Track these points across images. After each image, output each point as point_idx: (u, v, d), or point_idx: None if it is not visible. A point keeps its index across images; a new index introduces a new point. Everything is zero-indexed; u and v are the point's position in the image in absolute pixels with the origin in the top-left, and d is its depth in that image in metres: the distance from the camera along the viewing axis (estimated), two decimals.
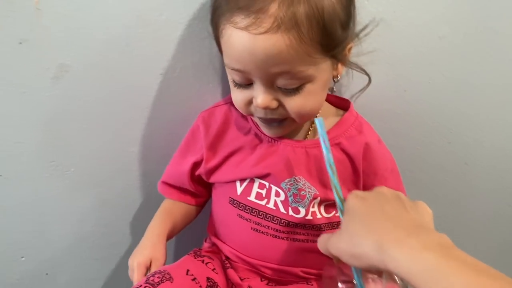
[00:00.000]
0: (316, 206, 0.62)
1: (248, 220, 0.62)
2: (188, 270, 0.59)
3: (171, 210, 0.69)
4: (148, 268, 0.61)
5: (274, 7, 0.47)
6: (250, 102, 0.56)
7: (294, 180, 0.61)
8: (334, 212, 0.63)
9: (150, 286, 0.54)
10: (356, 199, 0.47)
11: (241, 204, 0.63)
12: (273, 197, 0.61)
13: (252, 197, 0.62)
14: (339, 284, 0.52)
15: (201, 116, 0.67)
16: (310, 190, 0.61)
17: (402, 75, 0.72)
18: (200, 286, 0.58)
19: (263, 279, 0.63)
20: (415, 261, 0.37)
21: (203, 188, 0.70)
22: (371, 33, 0.62)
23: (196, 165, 0.66)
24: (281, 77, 0.51)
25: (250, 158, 0.62)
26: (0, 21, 0.61)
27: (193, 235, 0.77)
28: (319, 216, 0.62)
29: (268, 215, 0.61)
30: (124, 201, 0.78)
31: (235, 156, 0.64)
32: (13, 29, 0.62)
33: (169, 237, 0.67)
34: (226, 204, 0.64)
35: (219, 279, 0.62)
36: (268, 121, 0.58)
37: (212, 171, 0.65)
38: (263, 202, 0.62)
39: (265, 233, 0.62)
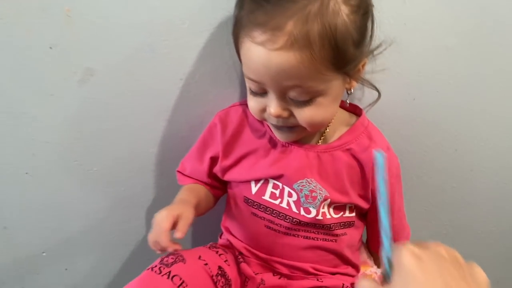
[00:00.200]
0: (326, 207, 0.65)
1: (262, 218, 0.66)
2: (200, 256, 0.62)
3: (195, 188, 0.71)
4: (175, 223, 0.57)
5: (290, 25, 0.50)
6: (264, 110, 0.59)
7: (306, 182, 0.64)
8: (342, 213, 0.66)
9: (164, 266, 0.57)
10: (411, 258, 0.38)
11: (256, 203, 0.66)
12: (286, 197, 0.65)
13: (266, 197, 0.65)
14: None
15: (218, 115, 0.70)
16: (321, 192, 0.64)
17: (411, 84, 0.75)
18: (211, 272, 0.61)
19: (275, 274, 0.67)
20: None
21: (219, 184, 0.73)
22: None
23: (214, 160, 0.69)
24: (292, 90, 0.54)
25: (265, 160, 0.65)
26: (33, 27, 0.65)
27: (208, 230, 0.80)
28: (328, 216, 0.65)
29: (281, 214, 0.65)
30: (142, 200, 0.82)
31: (250, 157, 0.67)
32: (44, 34, 0.66)
33: (195, 210, 0.64)
34: (241, 203, 0.67)
35: (230, 271, 0.65)
36: (279, 127, 0.61)
37: (226, 169, 0.69)
38: (276, 202, 0.65)
39: (277, 231, 0.65)
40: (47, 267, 0.86)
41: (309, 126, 0.59)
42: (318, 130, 0.65)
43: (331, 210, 0.65)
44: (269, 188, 0.65)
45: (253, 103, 0.60)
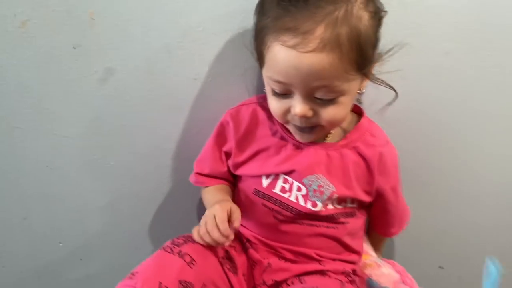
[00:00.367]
0: (336, 202, 0.69)
1: (271, 209, 0.70)
2: None
3: (222, 188, 0.76)
4: (229, 219, 0.63)
5: (321, 29, 0.54)
6: (287, 111, 0.63)
7: (315, 178, 0.68)
8: (343, 204, 0.71)
9: (175, 246, 0.63)
10: None
11: (266, 195, 0.70)
12: (294, 191, 0.69)
13: (277, 190, 0.70)
14: None
15: (229, 113, 0.73)
16: (328, 187, 0.68)
17: (410, 86, 0.79)
18: (218, 254, 0.67)
19: (280, 259, 0.71)
20: None
21: (234, 178, 0.78)
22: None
23: (227, 155, 0.74)
24: (320, 90, 0.58)
25: (276, 157, 0.70)
26: (58, 28, 0.70)
27: None
28: (331, 207, 0.70)
29: (288, 206, 0.69)
30: (156, 194, 0.86)
31: (261, 154, 0.71)
32: (69, 35, 0.71)
33: None
34: (251, 195, 0.72)
35: (237, 256, 0.70)
36: (301, 129, 0.65)
37: (238, 165, 0.73)
38: (286, 195, 0.69)
39: (284, 221, 0.70)
40: (63, 257, 0.90)
41: (330, 124, 0.64)
42: (334, 128, 0.69)
43: (334, 202, 0.70)
44: (280, 183, 0.70)
45: (277, 105, 0.64)
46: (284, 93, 0.62)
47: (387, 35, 0.64)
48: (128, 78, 0.75)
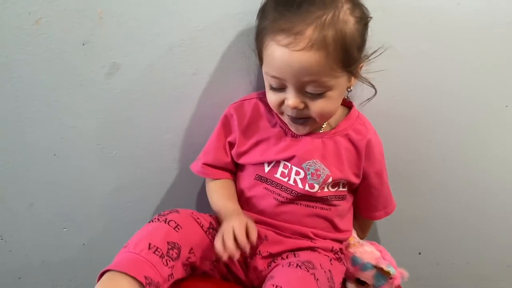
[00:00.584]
0: (331, 184, 0.77)
1: (272, 191, 0.77)
2: (193, 213, 0.74)
3: (228, 186, 0.81)
4: (247, 232, 0.69)
5: (310, 30, 0.62)
6: (282, 103, 0.71)
7: (312, 162, 0.76)
8: (337, 188, 0.78)
9: (162, 216, 0.70)
10: None
11: (268, 180, 0.77)
12: (293, 176, 0.76)
13: (278, 175, 0.77)
14: None
15: (232, 107, 0.80)
16: (324, 171, 0.76)
17: (390, 82, 0.86)
18: (202, 225, 0.73)
19: (277, 234, 0.77)
20: None
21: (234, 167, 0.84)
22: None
23: (231, 145, 0.80)
24: (309, 85, 0.66)
25: (276, 147, 0.77)
26: (69, 26, 0.76)
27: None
28: (326, 190, 0.77)
29: (288, 189, 0.76)
30: (156, 182, 0.92)
31: (263, 143, 0.78)
32: (79, 32, 0.77)
33: None
34: (253, 180, 0.79)
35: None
36: (295, 119, 0.72)
37: (242, 154, 0.79)
38: (285, 179, 0.76)
39: (284, 202, 0.77)
40: (67, 242, 0.95)
41: (320, 116, 0.71)
42: (325, 121, 0.76)
43: (330, 186, 0.77)
44: (280, 168, 0.77)
45: (273, 97, 0.72)
46: (279, 87, 0.69)
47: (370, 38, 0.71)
48: (133, 73, 0.81)
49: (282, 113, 0.74)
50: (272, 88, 0.71)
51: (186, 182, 0.92)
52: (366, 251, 0.81)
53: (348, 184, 0.80)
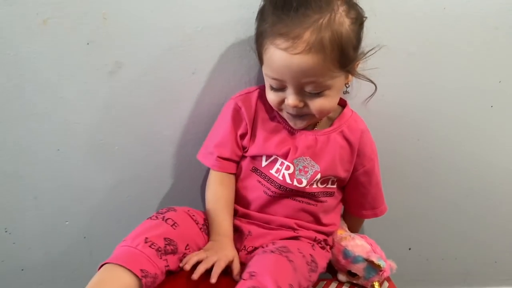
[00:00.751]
0: (319, 180, 0.80)
1: (263, 185, 0.81)
2: (189, 210, 0.78)
3: (231, 208, 0.83)
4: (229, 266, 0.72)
5: (307, 34, 0.65)
6: (282, 102, 0.74)
7: (302, 159, 0.79)
8: (325, 184, 0.82)
9: (160, 214, 0.73)
10: None
11: (263, 174, 0.81)
12: (283, 170, 0.80)
13: (272, 171, 0.80)
14: None
15: (238, 100, 0.82)
16: (312, 168, 0.79)
17: (380, 82, 0.88)
18: (197, 222, 0.77)
19: (260, 228, 0.81)
20: None
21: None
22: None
23: (242, 137, 0.82)
24: (308, 85, 0.70)
25: (273, 139, 0.80)
26: (74, 26, 0.79)
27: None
28: (315, 186, 0.81)
29: (276, 183, 0.80)
30: (155, 177, 0.95)
31: (262, 134, 0.81)
32: (83, 32, 0.80)
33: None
34: (248, 171, 0.82)
35: None
36: (294, 116, 0.76)
37: (249, 145, 0.82)
38: (276, 174, 0.80)
39: (272, 196, 0.80)
40: (69, 234, 0.98)
41: (319, 113, 0.74)
42: (323, 117, 0.79)
43: (319, 182, 0.81)
44: (277, 165, 0.80)
45: (273, 97, 0.75)
46: (280, 88, 0.73)
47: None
48: (135, 71, 0.85)
49: (281, 110, 0.77)
50: (273, 89, 0.74)
51: (183, 177, 0.96)
52: (357, 245, 0.84)
53: (338, 181, 0.83)
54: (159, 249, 0.67)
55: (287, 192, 0.80)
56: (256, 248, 0.79)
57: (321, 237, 0.83)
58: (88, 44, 0.81)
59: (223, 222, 0.80)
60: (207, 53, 0.85)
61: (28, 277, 1.01)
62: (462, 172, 1.05)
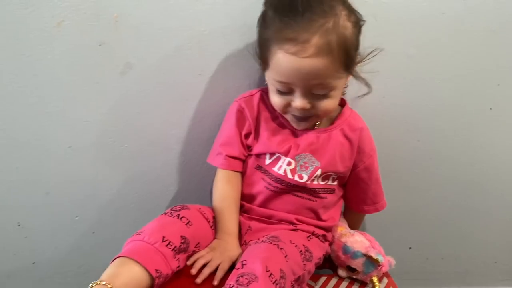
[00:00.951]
0: (319, 176, 0.83)
1: (266, 181, 0.84)
2: (200, 208, 0.82)
3: (235, 196, 0.86)
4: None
5: (316, 38, 0.67)
6: (287, 105, 0.77)
7: (303, 155, 0.82)
8: (326, 181, 0.85)
9: (174, 211, 0.76)
10: None
11: (266, 171, 0.84)
12: (284, 166, 0.83)
13: (275, 168, 0.83)
14: None
15: (242, 101, 0.85)
16: (313, 164, 0.82)
17: (381, 85, 0.92)
18: (208, 219, 0.81)
19: (260, 222, 0.84)
20: None
21: None
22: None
23: (246, 136, 0.85)
24: (316, 87, 0.73)
25: (276, 137, 0.83)
26: (87, 28, 0.83)
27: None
28: (316, 182, 0.83)
29: (278, 179, 0.83)
30: (162, 174, 0.99)
31: (265, 133, 0.84)
32: (95, 34, 0.84)
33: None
34: (252, 169, 0.86)
35: None
36: (299, 118, 0.78)
37: (254, 144, 0.85)
38: (279, 171, 0.83)
39: (274, 191, 0.83)
40: (78, 230, 1.02)
41: (324, 113, 0.78)
42: (326, 116, 0.82)
43: (320, 179, 0.84)
44: (279, 163, 0.83)
45: (279, 100, 0.77)
46: (286, 91, 0.75)
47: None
48: (144, 72, 0.88)
49: (285, 113, 0.80)
50: (279, 92, 0.76)
51: (190, 175, 0.99)
52: (356, 241, 0.87)
53: (338, 178, 0.86)
54: (175, 248, 0.70)
55: (289, 187, 0.83)
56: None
57: (319, 231, 0.86)
58: (100, 45, 0.85)
59: (229, 220, 0.83)
60: (214, 55, 0.89)
61: (39, 270, 1.04)
62: (462, 173, 1.07)
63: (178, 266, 0.71)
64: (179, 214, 0.76)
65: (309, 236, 0.83)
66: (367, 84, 0.86)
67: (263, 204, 0.85)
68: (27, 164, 0.94)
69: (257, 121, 0.85)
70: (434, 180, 1.07)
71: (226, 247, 0.78)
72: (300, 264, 0.74)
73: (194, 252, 0.76)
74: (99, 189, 0.98)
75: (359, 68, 0.81)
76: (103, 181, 0.97)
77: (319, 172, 0.82)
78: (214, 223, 0.83)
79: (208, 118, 0.93)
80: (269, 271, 0.64)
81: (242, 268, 0.66)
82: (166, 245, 0.68)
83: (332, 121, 0.85)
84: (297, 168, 0.82)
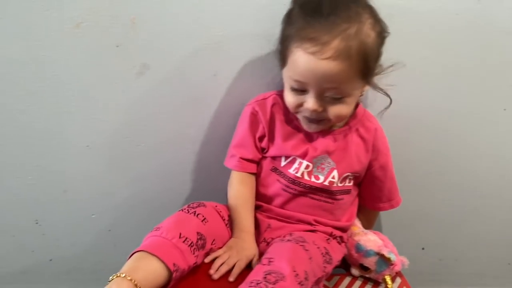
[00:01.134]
0: (336, 177, 0.83)
1: (283, 183, 0.85)
2: (216, 206, 0.83)
3: (253, 204, 0.87)
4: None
5: (336, 42, 0.67)
6: (300, 105, 0.76)
7: (321, 157, 0.83)
8: (344, 183, 0.86)
9: (191, 208, 0.78)
10: None
11: (282, 173, 0.85)
12: (302, 169, 0.83)
13: (291, 170, 0.84)
14: None
15: (256, 104, 0.86)
16: (329, 165, 0.83)
17: (396, 86, 0.91)
18: (224, 219, 0.83)
19: (279, 221, 0.85)
20: None
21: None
22: None
23: (260, 139, 0.86)
24: (329, 91, 0.72)
25: (292, 140, 0.84)
26: (104, 29, 0.85)
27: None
28: (335, 185, 0.84)
29: (296, 181, 0.83)
30: (177, 172, 1.00)
31: (280, 137, 0.85)
32: (113, 36, 0.86)
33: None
34: (268, 171, 0.86)
35: None
36: (311, 120, 0.79)
37: (269, 147, 0.86)
38: (295, 173, 0.83)
39: (291, 193, 0.84)
40: (94, 228, 1.04)
41: (336, 119, 0.77)
42: (339, 122, 0.82)
43: (341, 182, 0.85)
44: (295, 165, 0.84)
45: (292, 99, 0.77)
46: (301, 89, 0.75)
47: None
48: (160, 73, 0.90)
49: (297, 113, 0.80)
50: (294, 90, 0.76)
51: (204, 174, 1.00)
52: (369, 239, 0.87)
53: (354, 178, 0.87)
54: (192, 244, 0.71)
55: (306, 189, 0.84)
56: (274, 240, 0.82)
57: (337, 233, 0.87)
58: (117, 46, 0.87)
59: (245, 218, 0.84)
60: (229, 56, 0.90)
61: (56, 267, 1.07)
62: (476, 174, 1.07)
63: (195, 262, 0.72)
64: (195, 211, 0.77)
65: (328, 238, 0.84)
66: (386, 95, 0.85)
67: (281, 206, 0.86)
68: (46, 162, 0.96)
69: (270, 124, 0.86)
70: (448, 181, 1.07)
71: (243, 246, 0.80)
72: (321, 266, 0.75)
73: (211, 250, 0.77)
74: (116, 188, 1.00)
75: (377, 79, 0.81)
76: (120, 179, 0.99)
77: (335, 172, 0.83)
78: (230, 222, 0.84)
79: (222, 118, 0.95)
80: (295, 271, 0.66)
81: (269, 265, 0.67)
82: (183, 241, 0.70)
83: (346, 122, 0.86)
84: (314, 170, 0.83)
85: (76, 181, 0.98)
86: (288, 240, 0.75)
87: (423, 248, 1.17)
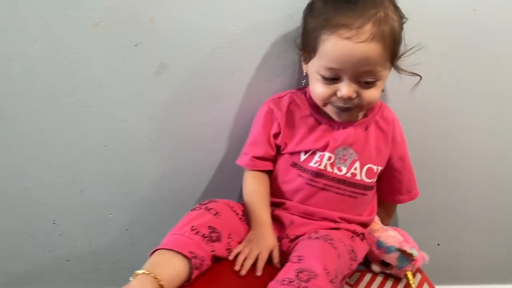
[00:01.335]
0: (358, 169, 0.84)
1: (305, 177, 0.84)
2: (229, 202, 0.84)
3: (268, 199, 0.88)
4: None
5: (369, 25, 0.70)
6: (332, 94, 0.77)
7: (342, 149, 0.83)
8: (373, 179, 0.86)
9: (202, 205, 0.79)
10: None
11: (302, 167, 0.85)
12: (325, 161, 0.83)
13: (312, 163, 0.84)
14: None
15: (271, 103, 0.87)
16: (351, 156, 0.84)
17: (412, 80, 0.90)
18: (237, 213, 0.83)
19: (303, 218, 0.85)
20: None
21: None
22: None
23: (275, 136, 0.87)
24: (365, 74, 0.73)
25: (311, 136, 0.84)
26: (124, 29, 0.85)
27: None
28: (358, 177, 0.84)
29: (319, 174, 0.83)
30: (196, 171, 1.00)
31: (299, 134, 0.85)
32: (132, 35, 0.86)
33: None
34: (288, 166, 0.86)
35: None
36: (342, 109, 0.79)
37: (286, 144, 0.86)
38: (317, 165, 0.83)
39: (315, 186, 0.84)
40: (112, 227, 1.04)
41: (368, 104, 0.78)
42: (369, 107, 0.83)
43: (363, 174, 0.85)
44: (315, 158, 0.84)
45: (324, 89, 0.77)
46: (333, 78, 0.75)
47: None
48: (178, 72, 0.90)
49: (326, 105, 0.80)
50: (325, 79, 0.76)
51: (222, 172, 1.00)
52: (390, 236, 0.87)
53: (376, 171, 0.87)
54: (205, 235, 0.73)
55: (330, 181, 0.84)
56: (298, 236, 0.82)
57: (360, 229, 0.87)
58: (136, 46, 0.86)
59: (261, 212, 0.85)
60: (246, 54, 0.90)
61: (73, 267, 1.07)
62: (492, 169, 1.07)
63: (213, 251, 0.73)
64: (206, 207, 0.79)
65: (352, 236, 0.84)
66: (414, 74, 0.86)
67: (304, 201, 0.86)
68: (64, 162, 0.96)
69: (287, 121, 0.86)
70: (464, 176, 1.08)
71: (262, 237, 0.80)
72: (348, 263, 0.76)
73: (229, 245, 0.77)
74: (133, 187, 1.00)
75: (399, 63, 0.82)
76: (137, 179, 0.99)
77: (357, 164, 0.84)
78: (245, 217, 0.84)
79: (240, 116, 0.95)
80: (326, 269, 0.66)
81: (299, 263, 0.68)
82: (195, 233, 0.72)
83: (365, 114, 0.86)
84: (336, 161, 0.83)
85: (93, 181, 0.98)
86: (316, 238, 0.75)
87: (438, 244, 1.17)
